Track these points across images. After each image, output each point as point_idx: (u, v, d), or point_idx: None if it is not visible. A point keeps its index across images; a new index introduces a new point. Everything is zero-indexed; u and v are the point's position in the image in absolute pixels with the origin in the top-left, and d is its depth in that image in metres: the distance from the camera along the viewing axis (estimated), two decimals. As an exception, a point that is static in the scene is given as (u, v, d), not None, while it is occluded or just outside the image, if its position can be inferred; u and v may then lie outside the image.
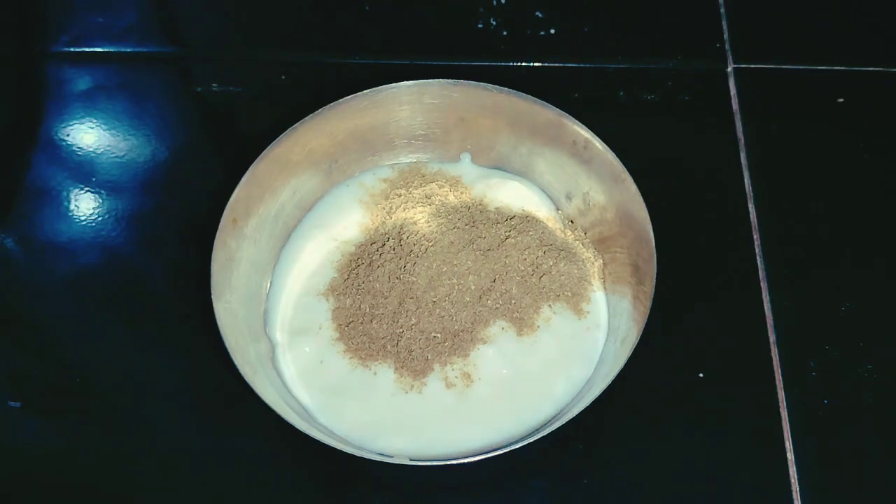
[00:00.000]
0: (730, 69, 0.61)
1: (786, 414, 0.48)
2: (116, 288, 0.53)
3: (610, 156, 0.48)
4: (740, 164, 0.57)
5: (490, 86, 0.50)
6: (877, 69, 0.61)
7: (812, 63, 0.62)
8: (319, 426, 0.45)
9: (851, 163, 0.58)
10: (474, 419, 0.45)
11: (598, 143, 0.48)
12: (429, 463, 0.43)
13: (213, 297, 0.44)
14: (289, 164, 0.50)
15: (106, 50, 0.63)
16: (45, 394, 0.50)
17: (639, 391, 0.49)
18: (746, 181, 0.56)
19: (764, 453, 0.47)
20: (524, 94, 0.50)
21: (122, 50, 0.63)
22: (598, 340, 0.48)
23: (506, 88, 0.50)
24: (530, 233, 0.50)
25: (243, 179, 0.48)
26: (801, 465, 0.47)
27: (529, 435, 0.43)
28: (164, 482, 0.47)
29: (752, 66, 0.62)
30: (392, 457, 0.44)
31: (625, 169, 0.47)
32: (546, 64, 0.62)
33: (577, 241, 0.51)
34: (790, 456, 0.47)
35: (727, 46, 0.62)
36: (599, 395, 0.42)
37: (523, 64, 0.62)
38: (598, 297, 0.49)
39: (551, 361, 0.47)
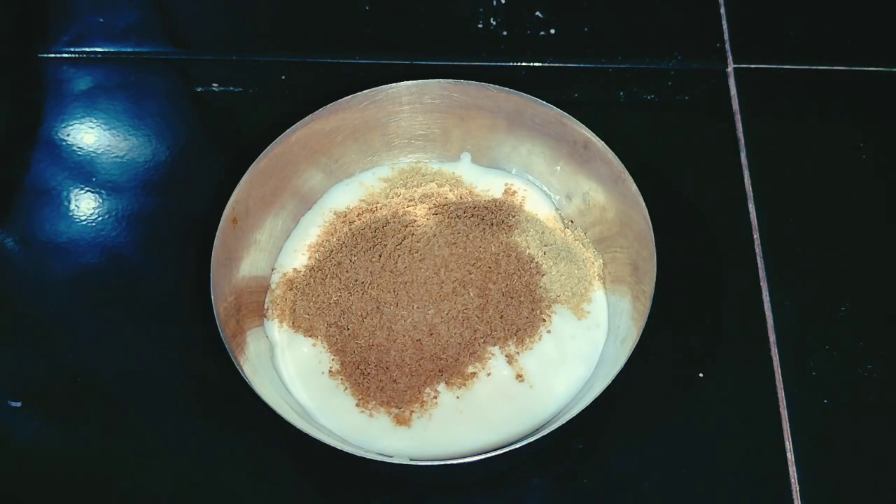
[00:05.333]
0: (730, 69, 0.61)
1: (786, 414, 0.48)
2: (116, 288, 0.53)
3: (610, 155, 0.48)
4: (740, 164, 0.57)
5: (490, 86, 0.50)
6: (877, 69, 0.61)
7: (812, 63, 0.62)
8: (319, 426, 0.45)
9: (851, 163, 0.58)
10: (474, 419, 0.45)
11: (598, 143, 0.48)
12: (429, 463, 0.43)
13: (212, 297, 0.44)
14: (289, 164, 0.50)
15: (106, 50, 0.63)
16: (45, 394, 0.50)
17: (639, 391, 0.49)
18: (746, 181, 0.56)
19: (764, 453, 0.47)
20: (524, 94, 0.50)
21: (122, 50, 0.63)
22: (599, 340, 0.48)
23: (506, 88, 0.50)
24: (530, 233, 0.50)
25: (243, 179, 0.48)
26: (801, 465, 0.47)
27: (529, 435, 0.43)
28: (163, 482, 0.47)
29: (752, 66, 0.62)
30: (392, 457, 0.44)
31: (624, 169, 0.47)
32: (546, 64, 0.62)
33: (577, 241, 0.51)
34: (790, 456, 0.47)
35: (727, 46, 0.62)
36: (600, 395, 0.42)
37: (523, 64, 0.62)
38: (598, 297, 0.49)
39: (551, 361, 0.47)
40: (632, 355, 0.42)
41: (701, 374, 0.49)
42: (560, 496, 0.46)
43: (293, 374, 0.47)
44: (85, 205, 0.56)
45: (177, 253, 0.54)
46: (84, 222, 0.55)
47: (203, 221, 0.50)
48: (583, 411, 0.42)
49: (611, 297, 0.49)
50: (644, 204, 0.46)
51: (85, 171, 0.57)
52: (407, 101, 0.52)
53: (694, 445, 0.48)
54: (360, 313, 0.48)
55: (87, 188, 0.57)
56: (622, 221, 0.48)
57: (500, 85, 0.50)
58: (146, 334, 0.52)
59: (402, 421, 0.45)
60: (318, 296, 0.49)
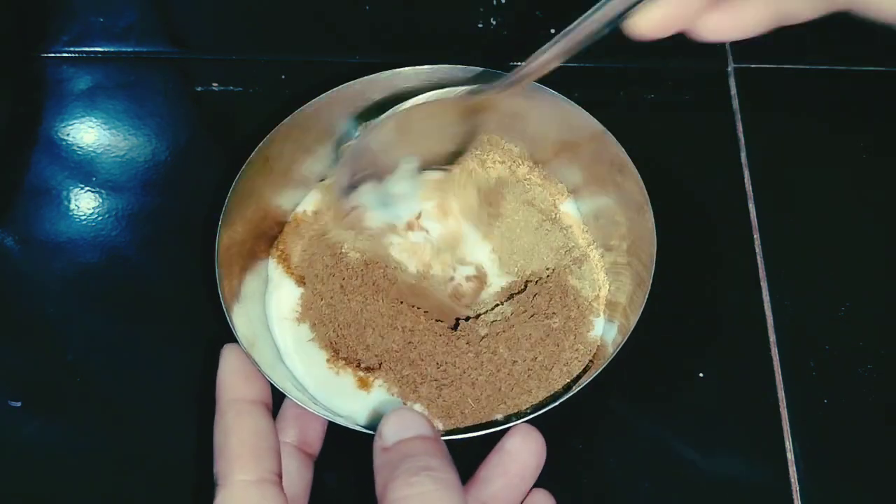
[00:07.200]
0: (730, 69, 0.61)
1: (786, 414, 0.48)
2: (116, 287, 0.53)
3: (639, 184, 0.47)
4: (740, 163, 0.57)
5: (546, 88, 0.50)
6: (877, 69, 0.61)
7: (812, 63, 0.62)
8: (285, 370, 0.47)
9: (851, 163, 0.58)
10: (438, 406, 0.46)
11: (631, 169, 0.47)
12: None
13: (220, 219, 0.45)
14: (333, 116, 0.51)
15: (106, 50, 0.63)
16: (45, 394, 0.50)
17: (638, 391, 0.49)
18: (746, 181, 0.56)
19: (764, 453, 0.47)
20: (573, 103, 0.49)
21: (122, 50, 0.63)
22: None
23: (559, 94, 0.50)
24: (551, 240, 0.50)
25: (283, 123, 0.48)
26: (801, 465, 0.47)
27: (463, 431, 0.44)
28: (165, 481, 0.47)
29: (752, 65, 0.62)
30: (342, 417, 0.44)
31: (648, 201, 0.46)
32: (546, 64, 0.62)
33: (594, 261, 0.50)
34: (790, 456, 0.47)
35: (727, 46, 0.62)
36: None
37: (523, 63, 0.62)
38: (596, 322, 0.49)
39: (518, 373, 0.47)
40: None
41: (701, 374, 0.49)
42: (560, 496, 0.46)
43: (277, 314, 0.49)
44: (85, 204, 0.56)
45: (177, 252, 0.54)
46: (84, 222, 0.55)
47: (203, 220, 0.50)
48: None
49: (607, 324, 0.49)
50: (655, 242, 0.45)
51: (85, 170, 0.58)
52: (461, 85, 0.52)
53: (694, 445, 0.48)
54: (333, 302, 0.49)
55: (87, 187, 0.57)
56: (631, 253, 0.48)
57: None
58: (147, 334, 0.52)
59: (364, 384, 0.46)
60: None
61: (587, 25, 0.36)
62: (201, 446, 0.48)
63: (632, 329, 0.43)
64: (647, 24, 0.36)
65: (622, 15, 0.36)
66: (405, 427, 0.35)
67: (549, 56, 0.39)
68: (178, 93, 0.62)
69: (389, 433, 0.35)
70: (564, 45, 0.38)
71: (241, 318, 0.45)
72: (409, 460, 0.34)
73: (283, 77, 0.62)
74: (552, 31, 0.64)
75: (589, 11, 0.36)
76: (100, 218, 0.55)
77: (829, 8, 0.39)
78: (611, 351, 0.44)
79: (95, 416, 0.49)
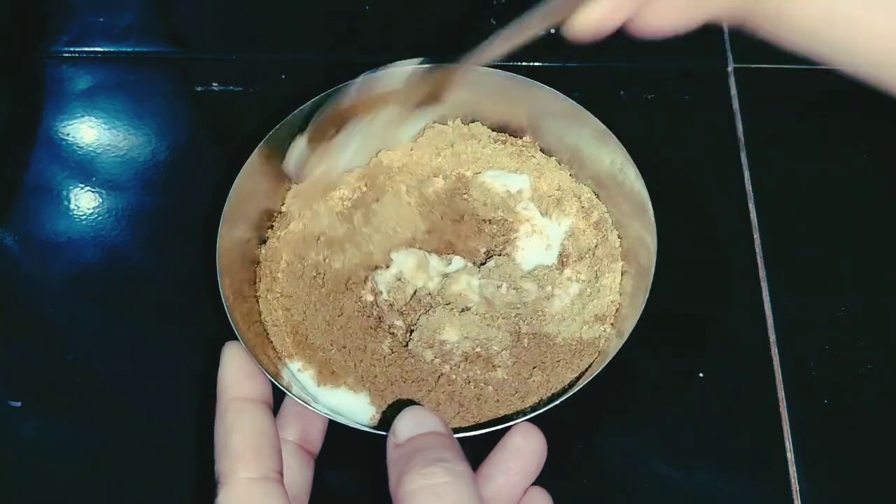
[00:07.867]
0: (730, 69, 0.61)
1: (786, 414, 0.48)
2: (116, 287, 0.53)
3: (639, 184, 0.47)
4: (740, 164, 0.57)
5: (550, 90, 0.50)
6: (877, 69, 0.61)
7: (812, 63, 0.62)
8: (278, 358, 0.47)
9: (851, 163, 0.58)
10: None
11: (632, 170, 0.47)
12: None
13: (222, 218, 0.45)
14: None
15: (106, 50, 0.63)
16: (45, 394, 0.50)
17: (639, 391, 0.49)
18: (746, 181, 0.56)
19: (764, 453, 0.47)
20: (575, 104, 0.49)
21: (122, 50, 0.63)
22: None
23: (560, 93, 0.50)
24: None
25: (283, 121, 0.48)
26: (801, 465, 0.47)
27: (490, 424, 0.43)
28: (166, 481, 0.47)
29: (752, 66, 0.62)
30: (337, 415, 0.44)
31: (648, 200, 0.46)
32: (546, 64, 0.62)
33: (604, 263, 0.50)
34: (790, 456, 0.47)
35: (727, 46, 0.62)
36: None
37: (523, 64, 0.62)
38: (595, 323, 0.49)
39: (517, 374, 0.46)
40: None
41: (701, 374, 0.49)
42: (560, 496, 0.46)
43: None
44: (85, 203, 0.56)
45: (177, 251, 0.54)
46: (84, 221, 0.55)
47: (203, 220, 0.50)
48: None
49: (607, 325, 0.48)
50: (655, 242, 0.45)
51: (85, 169, 0.58)
52: (464, 83, 0.51)
53: (694, 445, 0.48)
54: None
55: (87, 187, 0.57)
56: (630, 252, 0.48)
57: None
58: (147, 333, 0.52)
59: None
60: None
61: (528, 27, 0.41)
62: (202, 446, 0.48)
63: (632, 329, 0.43)
64: (585, 25, 0.39)
65: (561, 15, 0.40)
66: (419, 423, 0.36)
67: (492, 51, 0.44)
68: (178, 93, 0.63)
69: (403, 429, 0.36)
70: (505, 45, 0.43)
71: (242, 317, 0.45)
72: (423, 453, 0.34)
73: (283, 77, 0.62)
74: (552, 30, 0.64)
75: (528, 13, 0.40)
76: (100, 218, 0.55)
77: (733, 13, 0.42)
78: (611, 351, 0.44)
79: (95, 416, 0.49)
